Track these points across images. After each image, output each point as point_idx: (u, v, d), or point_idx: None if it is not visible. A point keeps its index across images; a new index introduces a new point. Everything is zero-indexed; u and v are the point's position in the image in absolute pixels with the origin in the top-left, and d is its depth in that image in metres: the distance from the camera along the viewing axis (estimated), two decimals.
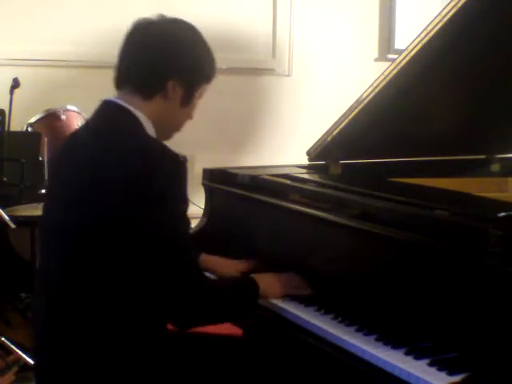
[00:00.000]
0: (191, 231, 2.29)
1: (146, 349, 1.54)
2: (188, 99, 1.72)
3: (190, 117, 1.78)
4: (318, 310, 1.71)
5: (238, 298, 1.71)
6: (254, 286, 1.73)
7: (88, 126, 1.72)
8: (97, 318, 1.52)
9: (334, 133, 2.22)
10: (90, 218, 1.53)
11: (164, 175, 1.53)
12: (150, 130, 1.66)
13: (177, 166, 1.57)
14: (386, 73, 2.08)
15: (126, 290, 1.52)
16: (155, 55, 1.67)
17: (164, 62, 1.67)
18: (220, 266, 2.00)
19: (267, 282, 1.77)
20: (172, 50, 1.68)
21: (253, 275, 1.79)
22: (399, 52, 2.08)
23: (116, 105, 1.65)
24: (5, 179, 3.21)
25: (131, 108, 1.64)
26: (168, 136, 1.76)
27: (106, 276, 1.52)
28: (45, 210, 1.72)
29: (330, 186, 1.99)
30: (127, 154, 1.54)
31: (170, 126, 1.75)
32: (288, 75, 4.71)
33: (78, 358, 1.53)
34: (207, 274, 1.90)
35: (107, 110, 1.68)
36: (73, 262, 1.56)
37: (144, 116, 1.65)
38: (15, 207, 2.91)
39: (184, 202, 1.59)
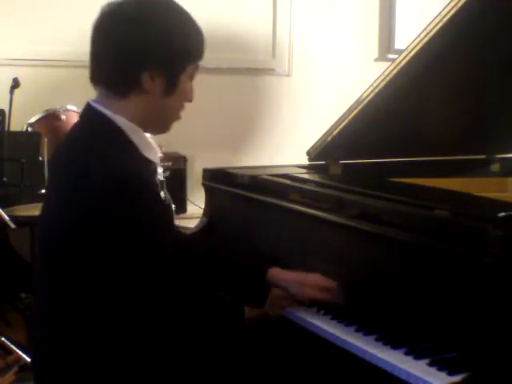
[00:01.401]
0: (191, 231, 2.31)
1: (141, 353, 1.50)
2: (172, 86, 1.53)
3: (187, 100, 1.60)
4: (318, 310, 1.71)
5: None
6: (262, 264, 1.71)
7: (72, 133, 1.60)
8: (88, 324, 1.48)
9: (334, 133, 2.22)
10: (66, 232, 1.46)
11: (129, 197, 1.42)
12: (134, 131, 1.53)
13: (141, 184, 1.45)
14: (386, 73, 2.08)
15: (112, 298, 1.46)
16: (120, 45, 1.48)
17: (132, 51, 1.48)
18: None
19: (287, 277, 1.74)
20: (140, 36, 1.47)
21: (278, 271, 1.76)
22: (399, 52, 2.08)
23: (95, 111, 1.52)
24: (5, 179, 3.21)
25: (109, 113, 1.50)
26: (165, 129, 1.61)
27: (91, 284, 1.46)
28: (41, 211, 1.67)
29: (329, 186, 1.99)
30: (96, 175, 1.42)
31: (162, 119, 1.59)
32: (288, 75, 4.71)
33: (70, 363, 1.51)
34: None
35: (89, 117, 1.55)
36: (59, 267, 1.51)
37: (125, 120, 1.51)
38: (15, 207, 2.91)
39: (155, 220, 1.47)
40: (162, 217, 1.53)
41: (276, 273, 1.77)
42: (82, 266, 1.45)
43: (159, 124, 1.60)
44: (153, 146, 1.60)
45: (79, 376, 1.51)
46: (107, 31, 1.51)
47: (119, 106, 1.51)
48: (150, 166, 1.57)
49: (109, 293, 1.46)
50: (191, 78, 1.58)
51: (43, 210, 1.62)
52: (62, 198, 1.49)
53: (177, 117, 1.61)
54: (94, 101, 1.55)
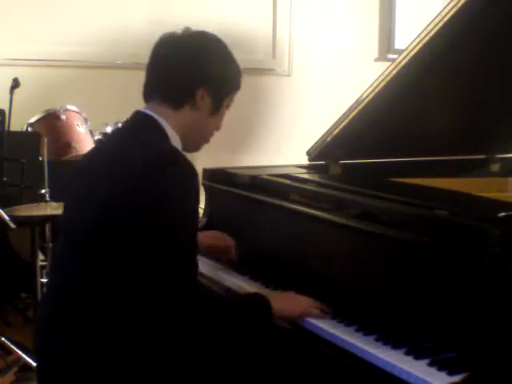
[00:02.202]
0: None
1: (147, 354, 1.52)
2: (217, 108, 1.71)
3: (217, 128, 1.78)
4: None
5: (243, 317, 1.63)
6: (265, 306, 1.64)
7: (115, 133, 1.73)
8: (99, 322, 1.51)
9: (334, 133, 2.22)
10: (96, 223, 1.52)
11: (177, 186, 1.52)
12: (176, 141, 1.66)
13: (192, 178, 1.56)
14: (385, 73, 2.08)
15: (127, 297, 1.51)
16: (183, 66, 1.66)
17: (192, 71, 1.66)
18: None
19: (283, 303, 1.69)
20: (199, 59, 1.67)
21: (270, 295, 1.72)
22: (399, 52, 2.08)
23: (144, 114, 1.66)
24: (5, 179, 3.21)
25: (159, 119, 1.64)
26: (197, 147, 1.77)
27: (110, 281, 1.51)
28: (64, 210, 1.73)
29: (329, 186, 1.99)
30: (143, 163, 1.52)
31: (198, 137, 1.75)
32: (288, 75, 4.71)
33: (77, 361, 1.52)
34: None
35: (135, 119, 1.68)
36: (77, 265, 1.56)
37: (171, 128, 1.65)
38: (15, 207, 2.91)
39: (193, 215, 1.58)
40: (197, 210, 1.61)
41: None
42: (114, 251, 1.50)
43: (194, 142, 1.75)
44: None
45: (84, 374, 1.52)
46: (170, 52, 1.69)
47: (170, 116, 1.65)
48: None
49: (127, 281, 1.50)
50: (227, 107, 1.76)
51: (71, 199, 1.69)
52: (112, 189, 1.54)
53: (207, 140, 1.78)
54: (146, 109, 1.68)
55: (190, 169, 1.57)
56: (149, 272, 1.50)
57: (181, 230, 1.52)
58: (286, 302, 1.69)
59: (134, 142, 1.61)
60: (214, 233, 2.12)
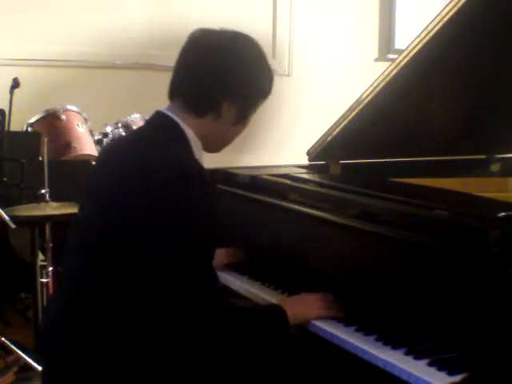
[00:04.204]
0: None
1: (160, 363, 1.49)
2: (242, 118, 1.67)
3: (242, 131, 1.74)
4: None
5: (262, 328, 1.59)
6: (282, 316, 1.61)
7: (135, 132, 1.69)
8: (110, 328, 1.48)
9: (334, 133, 2.22)
10: (111, 226, 1.49)
11: (196, 195, 1.46)
12: (197, 146, 1.62)
13: (210, 189, 1.52)
14: (386, 73, 2.08)
15: (141, 304, 1.47)
16: (209, 72, 1.60)
17: (219, 80, 1.60)
18: None
19: (298, 309, 1.66)
20: (228, 66, 1.60)
21: (283, 301, 1.70)
22: (399, 52, 2.08)
23: (166, 116, 1.61)
24: (5, 179, 3.21)
25: (181, 122, 1.60)
26: (217, 149, 1.73)
27: (121, 286, 1.47)
28: (80, 209, 1.68)
29: (329, 186, 1.99)
30: (163, 166, 1.48)
31: (222, 142, 1.72)
32: (288, 75, 4.71)
33: (89, 366, 1.50)
34: None
35: (156, 120, 1.64)
36: (89, 268, 1.53)
37: (192, 132, 1.61)
38: (15, 207, 2.91)
39: (212, 226, 1.52)
40: (216, 218, 1.56)
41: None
42: (128, 255, 1.46)
43: (216, 145, 1.72)
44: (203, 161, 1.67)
45: (100, 377, 1.49)
46: (200, 54, 1.61)
47: (192, 121, 1.61)
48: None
49: (141, 287, 1.46)
50: (255, 111, 1.72)
51: (87, 199, 1.64)
52: (120, 189, 1.51)
53: (231, 143, 1.74)
54: (166, 109, 1.63)
55: (210, 183, 1.54)
56: (165, 281, 1.45)
57: (199, 239, 1.48)
58: (300, 307, 1.66)
59: (158, 149, 1.54)
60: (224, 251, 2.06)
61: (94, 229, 1.54)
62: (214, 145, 1.70)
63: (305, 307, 1.67)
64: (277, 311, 1.62)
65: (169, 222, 1.44)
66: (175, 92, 1.65)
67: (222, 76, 1.60)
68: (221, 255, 2.00)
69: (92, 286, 1.51)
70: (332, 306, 1.68)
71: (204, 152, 1.69)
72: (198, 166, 1.53)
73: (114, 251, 1.48)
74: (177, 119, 1.60)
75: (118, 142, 1.70)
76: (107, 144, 1.74)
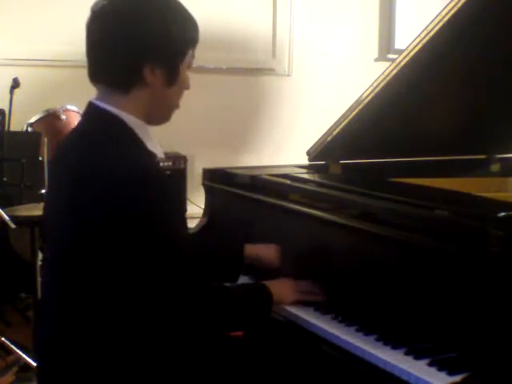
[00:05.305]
0: (191, 231, 2.30)
1: (149, 354, 1.50)
2: (173, 77, 1.53)
3: (185, 87, 1.59)
4: (317, 309, 1.71)
5: (249, 306, 1.64)
6: (267, 294, 1.67)
7: (77, 131, 1.58)
8: (98, 324, 1.48)
9: (334, 133, 2.22)
10: (77, 229, 1.45)
11: (151, 187, 1.42)
12: (144, 130, 1.53)
13: (163, 178, 1.50)
14: (386, 73, 2.08)
15: (124, 298, 1.46)
16: (118, 42, 1.46)
17: (130, 47, 1.46)
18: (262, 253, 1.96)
19: (280, 289, 1.72)
20: (136, 29, 1.45)
21: (265, 282, 1.72)
22: (399, 52, 2.08)
23: (102, 110, 1.50)
24: (5, 179, 3.21)
25: (117, 111, 1.49)
26: (165, 118, 1.61)
27: (101, 284, 1.46)
28: (44, 210, 1.67)
29: (329, 186, 1.99)
30: (115, 168, 1.42)
31: (165, 109, 1.59)
32: (288, 75, 4.72)
33: (79, 362, 1.50)
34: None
35: (95, 115, 1.53)
36: (67, 268, 1.51)
37: (132, 117, 1.50)
38: (15, 207, 2.91)
39: (177, 212, 1.51)
40: (182, 212, 1.56)
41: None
42: (98, 262, 1.44)
43: (161, 114, 1.60)
44: (155, 140, 1.60)
45: (88, 373, 1.50)
46: (103, 29, 1.48)
47: (123, 102, 1.50)
48: (154, 159, 1.58)
49: (123, 287, 1.45)
50: (189, 66, 1.57)
51: (49, 208, 1.62)
52: (74, 197, 1.46)
53: (177, 105, 1.61)
54: (97, 99, 1.53)
55: (164, 176, 1.54)
56: (142, 279, 1.45)
57: (169, 232, 1.46)
58: (279, 289, 1.73)
59: (106, 155, 1.44)
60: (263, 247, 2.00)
61: (62, 241, 1.51)
62: (159, 115, 1.59)
63: (285, 289, 1.74)
64: (261, 288, 1.69)
65: (133, 226, 1.41)
66: (93, 78, 1.53)
67: (134, 42, 1.46)
68: (269, 251, 1.98)
69: (73, 291, 1.49)
70: (311, 292, 1.75)
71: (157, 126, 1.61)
72: (147, 163, 1.48)
73: (85, 258, 1.45)
74: (110, 108, 1.49)
75: (62, 148, 1.60)
76: (57, 152, 1.65)
